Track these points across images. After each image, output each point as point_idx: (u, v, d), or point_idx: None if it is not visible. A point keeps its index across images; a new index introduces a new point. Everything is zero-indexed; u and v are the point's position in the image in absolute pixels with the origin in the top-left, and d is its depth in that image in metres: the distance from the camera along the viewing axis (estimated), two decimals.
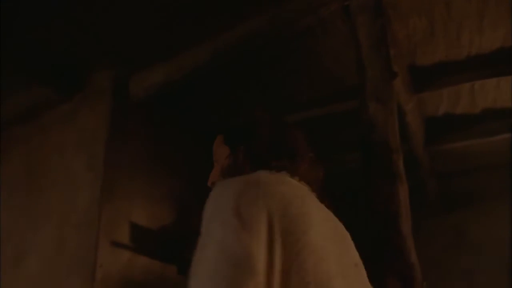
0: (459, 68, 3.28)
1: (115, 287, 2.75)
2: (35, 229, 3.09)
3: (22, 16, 2.65)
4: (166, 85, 2.96)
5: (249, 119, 1.55)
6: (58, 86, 3.15)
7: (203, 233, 1.17)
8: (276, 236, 1.11)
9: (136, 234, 2.92)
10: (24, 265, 3.07)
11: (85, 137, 3.04)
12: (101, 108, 3.04)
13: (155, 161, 3.17)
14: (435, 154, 4.24)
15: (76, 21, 2.71)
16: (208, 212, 1.19)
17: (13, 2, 2.56)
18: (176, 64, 2.87)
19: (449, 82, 3.38)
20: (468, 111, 3.83)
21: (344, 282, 1.21)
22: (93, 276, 2.65)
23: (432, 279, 3.13)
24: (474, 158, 4.40)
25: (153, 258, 3.01)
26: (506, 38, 3.04)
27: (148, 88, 3.04)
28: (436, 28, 2.96)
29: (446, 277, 4.40)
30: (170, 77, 2.91)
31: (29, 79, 3.15)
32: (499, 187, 4.42)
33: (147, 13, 2.67)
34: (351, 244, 1.36)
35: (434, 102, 3.72)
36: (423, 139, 3.97)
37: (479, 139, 3.95)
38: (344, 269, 1.25)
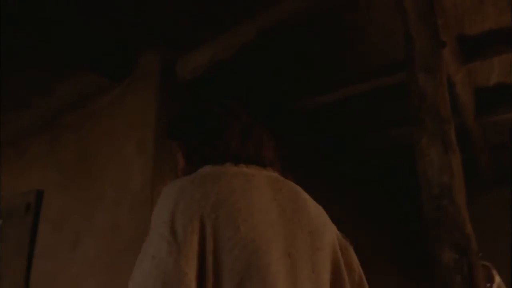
0: (510, 36, 3.21)
1: None
2: (90, 213, 3.19)
3: (70, 3, 2.72)
4: (213, 65, 2.99)
5: (196, 110, 1.58)
6: (107, 72, 3.22)
7: (148, 237, 1.27)
8: (208, 242, 1.22)
9: None
10: (80, 249, 3.18)
11: (135, 121, 3.11)
12: (149, 91, 3.10)
13: None
14: (486, 125, 4.17)
15: (123, 6, 2.76)
16: (153, 216, 1.30)
17: None
18: (222, 44, 2.90)
19: (499, 50, 3.31)
20: None
21: (286, 263, 1.31)
22: None
23: (487, 250, 3.11)
24: None
25: None
26: None
27: (195, 70, 3.08)
28: None
29: (500, 249, 4.35)
30: (216, 57, 2.94)
31: (79, 67, 3.23)
32: None
33: None
34: (305, 215, 1.43)
35: (485, 72, 3.65)
36: (474, 111, 3.91)
37: None
38: (290, 247, 1.35)
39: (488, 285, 3.47)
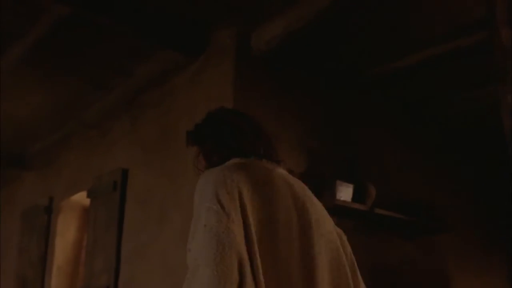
0: None
1: None
2: (175, 187, 3.33)
3: None
4: (287, 36, 3.03)
5: (212, 118, 1.90)
6: (183, 49, 3.33)
7: (194, 216, 1.52)
8: (249, 213, 1.50)
9: None
10: (168, 221, 3.33)
11: (213, 95, 3.20)
12: (225, 65, 3.18)
13: (282, 112, 3.27)
14: None
15: None
16: (196, 199, 1.56)
17: None
18: (296, 13, 2.92)
19: None
20: None
21: (299, 243, 1.61)
22: None
23: None
24: None
25: None
26: None
27: (270, 41, 3.13)
28: None
29: None
30: (291, 28, 2.97)
31: (156, 45, 3.36)
32: None
33: None
34: (312, 206, 1.71)
35: None
36: None
37: None
38: (302, 229, 1.65)
39: None
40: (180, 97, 3.52)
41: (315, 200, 1.79)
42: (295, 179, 1.80)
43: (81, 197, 4.60)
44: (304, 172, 3.28)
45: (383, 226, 3.57)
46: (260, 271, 1.47)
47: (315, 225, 1.69)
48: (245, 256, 1.44)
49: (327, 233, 1.71)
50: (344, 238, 1.84)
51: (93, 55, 3.55)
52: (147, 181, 3.63)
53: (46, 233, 4.81)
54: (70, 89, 3.99)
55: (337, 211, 3.28)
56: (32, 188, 5.43)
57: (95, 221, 3.94)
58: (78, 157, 4.67)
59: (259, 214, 1.56)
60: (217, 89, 3.18)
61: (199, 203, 1.55)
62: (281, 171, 1.77)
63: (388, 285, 3.50)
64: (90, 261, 3.90)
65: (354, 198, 3.29)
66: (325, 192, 3.21)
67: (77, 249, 4.78)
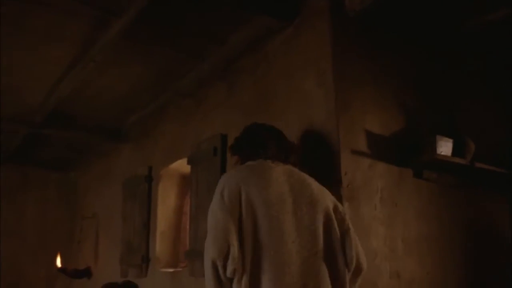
0: None
1: (359, 192, 3.05)
2: None
3: None
4: None
5: (244, 132, 3.00)
6: (277, 13, 3.47)
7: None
8: (245, 209, 2.46)
9: (372, 141, 3.19)
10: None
11: (311, 57, 3.33)
12: (321, 27, 3.30)
13: (378, 71, 3.36)
14: None
15: None
16: (215, 192, 2.56)
17: None
18: None
19: None
20: None
21: (294, 218, 2.52)
22: (340, 183, 2.98)
23: None
24: None
25: (390, 163, 3.26)
26: None
27: (363, 1, 3.22)
28: None
29: None
30: None
31: (249, 12, 3.52)
32: None
33: None
34: (308, 191, 2.63)
35: None
36: None
37: None
38: (297, 209, 2.55)
39: None
40: (276, 61, 3.67)
41: (314, 186, 2.69)
42: (298, 171, 2.75)
43: (179, 165, 4.88)
44: (403, 129, 3.38)
45: (482, 181, 3.61)
46: (248, 241, 2.43)
47: (310, 205, 2.57)
48: (231, 234, 2.40)
49: (321, 210, 2.58)
50: (343, 211, 2.69)
51: (188, 26, 3.74)
52: None
53: (147, 201, 5.14)
54: (166, 60, 4.21)
55: (437, 166, 3.37)
56: (130, 159, 5.78)
57: (197, 187, 4.19)
58: (175, 126, 4.94)
59: (254, 198, 2.49)
60: (314, 52, 3.31)
61: (214, 194, 2.56)
62: (285, 167, 2.72)
63: (486, 243, 3.57)
64: (194, 225, 4.16)
65: (454, 153, 3.36)
66: (425, 148, 3.30)
67: (178, 215, 5.08)
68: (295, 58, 3.47)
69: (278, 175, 2.61)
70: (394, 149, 3.30)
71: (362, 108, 3.20)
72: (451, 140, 3.33)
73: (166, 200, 5.04)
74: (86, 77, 4.47)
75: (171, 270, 4.73)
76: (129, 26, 3.59)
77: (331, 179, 3.00)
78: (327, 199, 2.66)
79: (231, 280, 2.41)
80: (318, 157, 3.14)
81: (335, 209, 2.64)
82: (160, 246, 4.94)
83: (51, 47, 4.06)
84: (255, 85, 3.87)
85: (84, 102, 5.14)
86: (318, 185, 2.71)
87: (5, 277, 6.74)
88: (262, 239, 2.45)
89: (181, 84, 4.56)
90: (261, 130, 2.95)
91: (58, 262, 6.12)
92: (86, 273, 6.23)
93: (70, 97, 4.91)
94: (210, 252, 2.40)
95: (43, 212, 7.20)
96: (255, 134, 2.92)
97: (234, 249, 2.37)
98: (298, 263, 2.45)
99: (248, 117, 3.80)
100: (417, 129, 3.40)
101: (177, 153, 4.80)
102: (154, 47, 4.05)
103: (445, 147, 3.31)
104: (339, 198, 2.92)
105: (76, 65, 4.24)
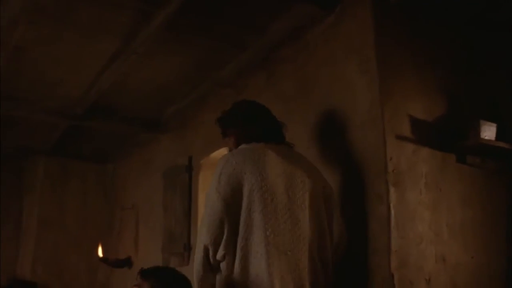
0: None
1: (405, 178, 3.11)
2: (320, 136, 3.59)
3: None
4: None
5: (234, 109, 3.13)
6: (319, 1, 3.54)
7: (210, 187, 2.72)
8: (239, 195, 2.64)
9: (415, 127, 3.24)
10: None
11: (353, 44, 3.40)
12: (363, 14, 3.36)
13: (421, 57, 3.41)
14: None
15: None
16: (214, 175, 2.73)
17: None
18: None
19: None
20: None
21: (287, 198, 2.69)
22: (385, 169, 3.05)
23: None
24: None
25: (433, 149, 3.31)
26: None
27: None
28: None
29: None
30: None
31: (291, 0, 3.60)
32: None
33: None
34: (300, 171, 2.81)
35: None
36: None
37: None
38: (289, 189, 2.72)
39: None
40: (317, 50, 3.73)
41: (306, 165, 2.92)
42: (293, 151, 3.03)
43: (219, 154, 4.98)
44: (446, 114, 3.42)
45: None
46: (242, 225, 2.61)
47: (302, 185, 2.75)
48: (225, 222, 2.59)
49: (311, 189, 2.77)
50: (332, 190, 3.01)
51: (228, 15, 3.83)
52: (288, 133, 3.90)
53: (188, 190, 5.26)
54: (206, 50, 4.31)
55: (480, 151, 3.41)
56: (170, 149, 5.90)
57: None
58: (214, 116, 5.00)
59: (252, 180, 2.63)
60: (356, 40, 3.37)
61: (213, 178, 2.72)
62: (280, 147, 2.90)
63: None
64: None
65: (498, 137, 3.39)
66: (469, 132, 3.35)
67: None
68: (337, 47, 3.54)
69: (273, 157, 2.75)
70: (437, 134, 3.34)
71: (405, 94, 3.26)
72: (494, 125, 3.37)
73: (207, 189, 5.14)
74: (127, 69, 4.60)
75: None
76: (171, 17, 3.69)
77: (376, 165, 3.07)
78: (318, 179, 2.91)
79: (218, 262, 2.66)
80: (363, 144, 3.21)
81: (326, 187, 2.94)
82: None
83: (94, 40, 4.19)
84: (295, 74, 3.94)
85: (124, 94, 5.26)
86: (309, 163, 2.99)
87: (48, 267, 6.96)
88: (256, 224, 2.59)
89: (220, 74, 4.66)
90: (253, 108, 3.08)
91: (100, 252, 6.28)
92: (127, 262, 6.39)
93: (110, 89, 5.05)
94: (203, 239, 2.64)
95: (83, 204, 7.38)
96: (250, 112, 3.05)
97: (227, 236, 2.60)
98: (291, 243, 2.63)
99: (289, 105, 3.90)
100: (460, 114, 3.44)
101: (218, 142, 4.89)
102: (194, 38, 4.15)
103: (488, 132, 3.35)
104: (385, 183, 3.00)
105: (118, 58, 4.36)
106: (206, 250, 2.64)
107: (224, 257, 2.62)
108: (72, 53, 4.44)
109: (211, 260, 2.65)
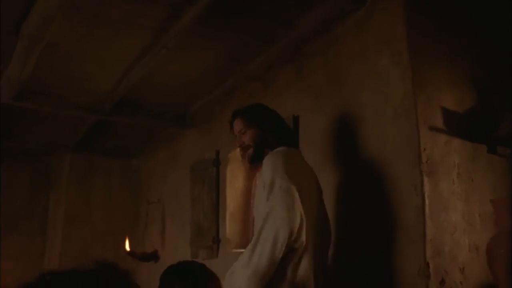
0: None
1: (438, 168, 3.17)
2: (352, 127, 3.66)
3: None
4: None
5: (259, 111, 3.45)
6: None
7: (271, 181, 2.88)
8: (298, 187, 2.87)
9: (447, 118, 3.30)
10: (350, 160, 3.67)
11: (384, 37, 3.46)
12: (394, 7, 3.41)
13: (453, 48, 3.46)
14: None
15: None
16: (270, 169, 2.94)
17: None
18: None
19: None
20: None
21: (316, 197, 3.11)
22: (419, 159, 3.11)
23: None
24: None
25: (464, 139, 3.36)
26: None
27: None
28: None
29: None
30: None
31: None
32: None
33: None
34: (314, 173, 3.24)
35: None
36: None
37: None
38: (318, 190, 3.19)
39: None
40: (348, 43, 3.80)
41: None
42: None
43: None
44: (477, 105, 3.48)
45: None
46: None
47: (316, 186, 3.19)
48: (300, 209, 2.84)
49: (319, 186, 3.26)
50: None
51: (259, 9, 3.89)
52: (319, 125, 3.98)
53: (216, 184, 5.35)
54: (236, 44, 4.39)
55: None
56: (196, 144, 5.99)
57: None
58: None
59: (298, 180, 2.91)
60: (388, 32, 3.43)
61: (273, 172, 2.91)
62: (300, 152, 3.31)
63: None
64: None
65: None
66: (500, 123, 3.40)
67: (247, 196, 5.26)
68: (368, 40, 3.60)
69: (304, 161, 3.24)
70: (468, 125, 3.40)
71: (437, 86, 3.32)
72: None
73: (235, 182, 5.24)
74: (156, 64, 4.67)
75: (242, 250, 4.93)
76: (203, 11, 3.76)
77: (410, 155, 3.14)
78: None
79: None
80: (396, 135, 3.27)
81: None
82: (230, 227, 5.14)
83: (124, 35, 4.28)
84: (325, 67, 4.01)
85: (151, 88, 5.36)
86: None
87: (75, 261, 7.04)
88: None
89: (249, 68, 4.73)
90: (280, 118, 3.47)
91: (127, 246, 6.40)
92: (154, 256, 6.50)
93: (138, 84, 5.13)
94: (286, 229, 2.76)
95: (108, 198, 7.50)
96: (281, 121, 3.45)
97: (300, 225, 2.85)
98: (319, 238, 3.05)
99: (319, 98, 3.98)
100: (491, 105, 3.50)
101: None
102: (224, 32, 4.22)
103: None
104: (419, 173, 3.06)
105: (148, 52, 4.44)
106: (291, 235, 2.79)
107: (302, 244, 2.85)
108: (102, 48, 4.54)
109: (285, 248, 2.79)
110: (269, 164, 2.99)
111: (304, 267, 2.89)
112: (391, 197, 3.23)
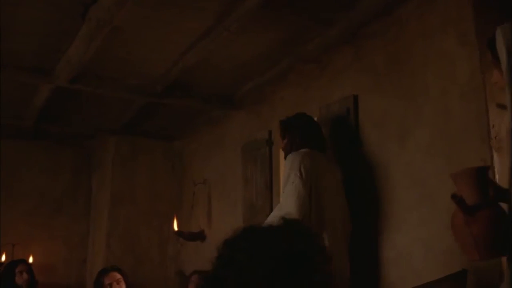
0: None
1: (505, 144, 3.35)
2: (415, 106, 3.84)
3: None
4: None
5: (294, 120, 4.20)
6: None
7: (285, 175, 3.78)
8: (312, 183, 3.70)
9: None
10: (410, 138, 3.87)
11: (450, 17, 3.63)
12: None
13: None
14: None
15: None
16: (288, 167, 3.77)
17: None
18: None
19: None
20: None
21: (333, 194, 3.91)
22: (488, 135, 3.30)
23: None
24: None
25: None
26: None
27: None
28: None
29: None
30: None
31: None
32: None
33: None
34: (338, 177, 4.06)
35: None
36: None
37: None
38: (330, 191, 3.89)
39: None
40: (409, 24, 3.98)
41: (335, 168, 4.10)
42: (327, 158, 4.09)
43: None
44: None
45: None
46: (314, 206, 3.67)
47: (335, 182, 3.98)
48: (308, 202, 3.61)
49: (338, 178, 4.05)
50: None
51: None
52: (379, 106, 4.18)
53: (269, 163, 5.57)
54: (295, 26, 4.55)
55: None
56: (245, 125, 6.20)
57: (330, 146, 4.58)
58: (295, 91, 5.32)
59: (313, 180, 3.69)
60: (454, 12, 3.60)
61: (290, 169, 3.71)
62: (323, 155, 4.04)
63: None
64: None
65: None
66: None
67: None
68: (432, 20, 3.78)
69: (324, 163, 3.96)
70: None
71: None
72: None
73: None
74: (214, 47, 4.86)
75: None
76: None
77: (480, 132, 3.32)
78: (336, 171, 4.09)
79: None
80: (464, 112, 3.46)
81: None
82: None
83: (188, 18, 4.45)
84: (385, 48, 4.20)
85: (204, 71, 5.56)
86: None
87: (121, 241, 7.38)
88: (322, 205, 3.74)
89: (305, 50, 4.91)
90: (313, 124, 4.25)
91: (175, 226, 6.65)
92: (201, 236, 6.73)
93: (192, 67, 5.34)
94: (295, 214, 3.46)
95: (152, 180, 7.77)
96: (310, 126, 4.19)
97: (310, 212, 3.62)
98: (339, 224, 3.85)
99: (378, 78, 4.17)
100: None
101: None
102: (284, 15, 4.40)
103: None
104: (489, 149, 3.25)
105: (208, 35, 4.64)
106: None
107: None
108: (162, 32, 4.73)
109: None
110: (289, 162, 3.81)
111: None
112: None
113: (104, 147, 7.92)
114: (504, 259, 2.63)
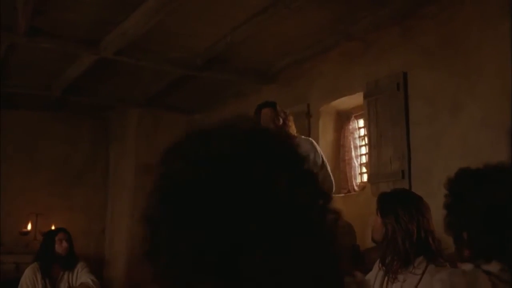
0: None
1: None
2: (469, 84, 4.41)
3: None
4: None
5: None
6: None
7: (323, 161, 4.70)
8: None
9: None
10: (463, 111, 4.43)
11: (507, 1, 4.18)
12: None
13: None
14: None
15: None
16: (318, 150, 4.73)
17: None
18: None
19: None
20: None
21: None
22: None
23: None
24: None
25: None
26: None
27: None
28: None
29: None
30: None
31: None
32: None
33: None
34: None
35: None
36: None
37: None
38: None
39: None
40: (464, 8, 4.53)
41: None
42: None
43: (340, 104, 5.83)
44: None
45: None
46: None
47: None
48: None
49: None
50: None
51: None
52: (430, 83, 4.73)
53: (307, 135, 6.07)
54: (348, 6, 5.04)
55: None
56: (276, 98, 6.64)
57: (376, 118, 5.13)
58: (337, 67, 5.82)
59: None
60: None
61: (323, 156, 4.70)
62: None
63: None
64: (375, 152, 5.13)
65: None
66: None
67: (336, 147, 6.04)
68: (489, 3, 4.32)
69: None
70: None
71: None
72: None
73: (326, 135, 6.00)
74: (266, 24, 5.30)
75: (341, 195, 5.72)
76: None
77: None
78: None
79: None
80: None
81: None
82: None
83: None
84: (437, 29, 4.74)
85: (247, 46, 5.99)
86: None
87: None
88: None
89: (352, 29, 5.40)
90: None
91: None
92: None
93: (237, 42, 5.76)
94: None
95: None
96: None
97: None
98: None
99: (430, 58, 4.72)
100: None
101: (340, 91, 5.72)
102: None
103: None
104: None
105: (266, 12, 5.05)
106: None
107: None
108: (223, 7, 5.16)
109: None
110: (315, 146, 4.72)
111: None
112: None
113: (124, 119, 8.31)
114: None
